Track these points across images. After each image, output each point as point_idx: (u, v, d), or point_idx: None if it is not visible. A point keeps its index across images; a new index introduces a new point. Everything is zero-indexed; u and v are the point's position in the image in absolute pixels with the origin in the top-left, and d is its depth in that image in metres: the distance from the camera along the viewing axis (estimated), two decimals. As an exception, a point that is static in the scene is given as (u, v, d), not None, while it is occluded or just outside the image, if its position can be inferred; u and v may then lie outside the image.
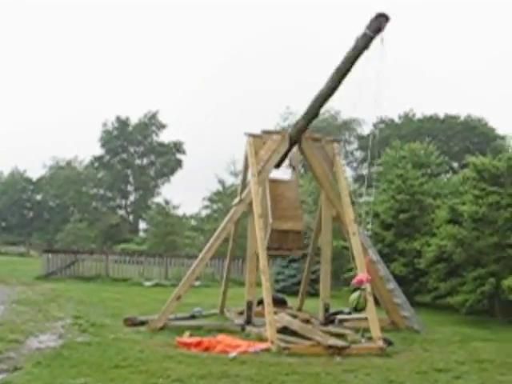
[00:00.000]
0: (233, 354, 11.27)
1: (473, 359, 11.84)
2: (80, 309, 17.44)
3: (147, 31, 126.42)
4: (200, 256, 14.90)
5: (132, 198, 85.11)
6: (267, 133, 15.52)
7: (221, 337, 12.72)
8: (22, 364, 9.78)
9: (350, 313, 17.13)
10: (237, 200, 15.24)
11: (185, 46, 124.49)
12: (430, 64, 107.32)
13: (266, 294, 12.98)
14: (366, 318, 14.10)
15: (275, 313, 13.61)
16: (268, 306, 12.81)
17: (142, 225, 78.20)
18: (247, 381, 9.10)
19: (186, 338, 12.73)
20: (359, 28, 12.41)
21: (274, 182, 16.21)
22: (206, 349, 11.87)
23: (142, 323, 14.47)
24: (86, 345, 11.69)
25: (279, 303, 17.30)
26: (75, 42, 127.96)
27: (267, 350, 11.79)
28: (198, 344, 12.07)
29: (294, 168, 16.92)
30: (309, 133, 15.62)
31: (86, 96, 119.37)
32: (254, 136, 15.39)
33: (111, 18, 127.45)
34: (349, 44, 12.74)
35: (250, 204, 14.65)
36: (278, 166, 16.16)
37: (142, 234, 74.73)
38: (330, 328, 14.88)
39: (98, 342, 11.97)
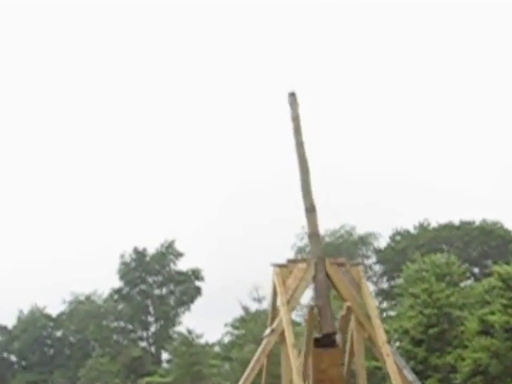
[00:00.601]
0: None
1: None
2: None
3: (159, 159, 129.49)
4: (237, 390, 14.80)
5: (153, 328, 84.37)
6: (293, 261, 15.74)
7: None
8: None
9: None
10: (268, 331, 15.24)
11: (199, 173, 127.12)
12: (438, 175, 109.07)
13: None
14: None
15: None
16: None
17: (165, 355, 77.30)
18: None
19: None
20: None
21: (317, 354, 14.92)
22: None
23: None
24: None
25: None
26: (87, 175, 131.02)
27: None
28: None
29: (342, 331, 15.51)
30: (333, 258, 15.88)
31: (101, 229, 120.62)
32: (280, 266, 15.61)
33: (124, 145, 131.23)
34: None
35: (282, 334, 14.68)
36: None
37: (165, 365, 73.71)
38: None
39: None
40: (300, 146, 16.61)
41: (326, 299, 15.10)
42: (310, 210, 16.21)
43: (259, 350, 15.13)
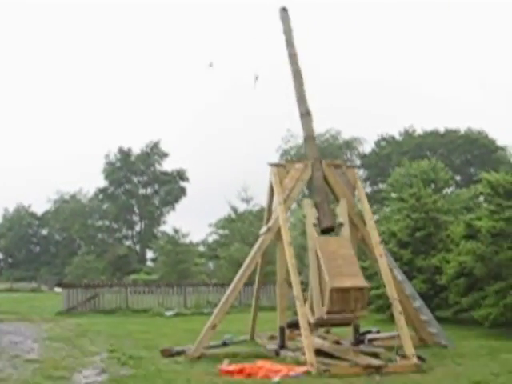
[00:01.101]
0: (276, 378, 11.62)
1: (507, 370, 12.19)
2: (112, 342, 17.66)
3: (145, 60, 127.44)
4: (232, 285, 15.27)
5: (138, 227, 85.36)
6: (290, 162, 16.02)
7: (260, 362, 13.04)
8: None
9: (378, 331, 17.55)
10: (264, 229, 15.63)
11: (185, 72, 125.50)
12: (427, 82, 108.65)
13: (302, 319, 13.35)
14: (395, 337, 14.50)
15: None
16: (305, 330, 13.17)
17: (150, 254, 78.52)
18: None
19: (226, 365, 13.06)
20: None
21: (324, 239, 14.81)
22: (249, 375, 12.21)
23: (179, 353, 14.72)
24: (132, 378, 11.99)
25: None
26: (75, 76, 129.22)
27: (308, 373, 12.14)
28: (240, 371, 12.39)
29: (342, 225, 15.30)
30: (330, 160, 16.19)
31: (87, 129, 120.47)
32: (277, 166, 15.91)
33: (111, 49, 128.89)
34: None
35: (278, 232, 15.08)
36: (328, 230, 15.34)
37: (149, 263, 74.92)
38: (362, 348, 15.17)
39: (143, 375, 12.25)
40: (293, 57, 17.05)
41: (324, 195, 15.41)
42: (306, 114, 16.79)
43: (255, 247, 15.56)
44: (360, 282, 13.82)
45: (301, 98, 16.85)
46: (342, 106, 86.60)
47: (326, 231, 15.15)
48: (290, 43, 17.39)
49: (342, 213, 15.26)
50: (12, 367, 13.28)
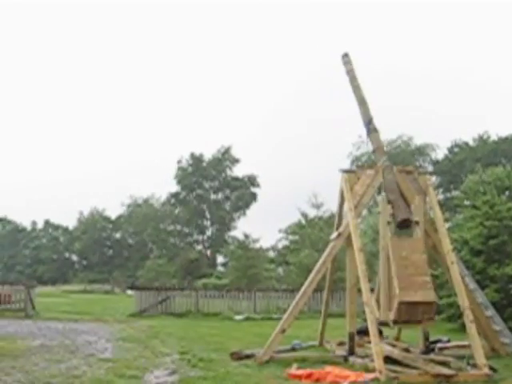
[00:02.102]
0: (344, 384, 11.64)
1: None
2: (183, 344, 17.98)
3: (216, 67, 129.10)
4: (302, 290, 15.33)
5: (209, 232, 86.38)
6: (361, 168, 16.03)
7: (329, 368, 13.05)
8: (149, 399, 10.33)
9: (449, 340, 17.31)
10: (335, 235, 15.65)
11: (253, 78, 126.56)
12: (502, 83, 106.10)
13: (371, 325, 13.32)
14: (466, 346, 14.25)
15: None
16: (374, 337, 13.14)
17: (220, 259, 79.32)
18: (367, 409, 9.44)
19: (294, 370, 13.12)
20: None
21: (397, 241, 14.63)
22: (317, 380, 12.23)
23: (248, 357, 14.85)
24: (202, 379, 12.11)
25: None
26: (148, 83, 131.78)
27: (376, 380, 12.09)
28: (308, 375, 12.41)
29: (418, 223, 15.09)
30: (401, 166, 16.12)
31: (160, 136, 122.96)
32: (348, 172, 15.93)
33: (183, 57, 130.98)
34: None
35: (348, 238, 15.09)
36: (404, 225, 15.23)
37: (220, 268, 75.69)
38: (432, 356, 15.00)
39: (212, 377, 12.36)
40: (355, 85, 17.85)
41: (398, 194, 15.32)
42: (373, 131, 17.11)
43: (325, 252, 15.59)
44: (429, 296, 13.80)
45: (366, 115, 17.34)
46: (412, 105, 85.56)
47: (403, 225, 15.04)
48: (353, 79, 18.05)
49: (417, 211, 15.08)
50: (86, 365, 13.68)
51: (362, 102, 17.53)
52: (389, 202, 15.19)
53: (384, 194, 15.57)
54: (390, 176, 15.55)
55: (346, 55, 18.47)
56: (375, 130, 17.15)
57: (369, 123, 17.14)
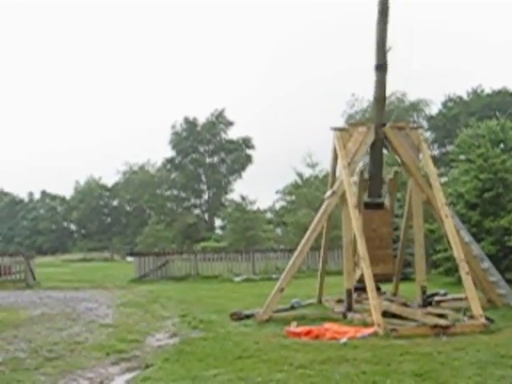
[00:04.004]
0: (343, 339, 11.74)
1: None
2: (183, 307, 18.17)
3: (205, 31, 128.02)
4: (299, 249, 15.39)
5: (206, 196, 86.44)
6: (353, 125, 15.97)
7: (328, 325, 13.17)
8: (151, 361, 10.37)
9: (446, 293, 17.48)
10: (329, 193, 15.66)
11: (244, 38, 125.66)
12: (495, 35, 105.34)
13: (368, 280, 13.43)
14: (463, 299, 14.40)
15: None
16: (371, 291, 13.25)
17: (218, 222, 79.48)
18: (366, 363, 9.48)
19: (293, 327, 13.25)
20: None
21: (369, 213, 16.13)
22: (316, 337, 12.35)
23: (248, 317, 14.97)
24: (202, 340, 12.23)
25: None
26: (139, 50, 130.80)
27: (375, 334, 12.22)
28: (307, 333, 12.52)
29: (390, 194, 16.17)
30: (393, 122, 16.08)
31: (152, 101, 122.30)
32: (340, 130, 15.88)
33: (170, 22, 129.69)
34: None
35: (343, 195, 15.13)
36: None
37: (218, 231, 75.90)
38: (430, 309, 15.14)
39: (213, 337, 12.48)
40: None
41: (379, 169, 15.56)
42: (382, 69, 15.51)
43: (320, 211, 15.61)
44: (388, 269, 16.18)
45: (381, 46, 15.40)
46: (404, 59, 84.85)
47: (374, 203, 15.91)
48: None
49: (390, 183, 16.28)
50: (88, 331, 13.84)
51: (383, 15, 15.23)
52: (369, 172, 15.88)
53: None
54: (379, 143, 15.77)
55: None
56: (384, 69, 15.50)
57: (380, 54, 15.47)
